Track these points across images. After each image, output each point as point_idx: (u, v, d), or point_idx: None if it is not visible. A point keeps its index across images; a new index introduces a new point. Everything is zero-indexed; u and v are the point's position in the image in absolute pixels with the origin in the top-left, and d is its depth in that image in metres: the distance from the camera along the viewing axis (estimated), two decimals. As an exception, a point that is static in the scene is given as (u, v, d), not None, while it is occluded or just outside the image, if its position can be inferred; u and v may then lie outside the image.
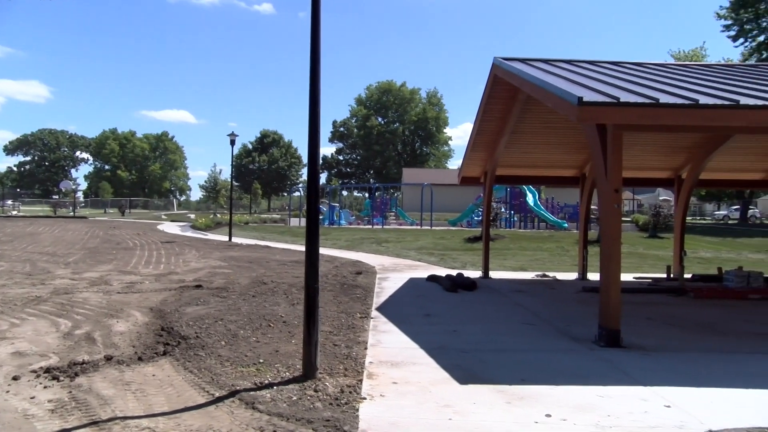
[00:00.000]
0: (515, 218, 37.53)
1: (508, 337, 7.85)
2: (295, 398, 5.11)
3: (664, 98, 7.39)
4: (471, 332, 7.99)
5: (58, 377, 5.69)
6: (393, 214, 44.40)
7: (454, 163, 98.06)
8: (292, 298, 10.41)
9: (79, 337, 7.47)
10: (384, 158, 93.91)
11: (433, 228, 34.61)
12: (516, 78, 10.26)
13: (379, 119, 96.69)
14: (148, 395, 5.24)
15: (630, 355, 6.76)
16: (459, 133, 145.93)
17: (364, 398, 5.12)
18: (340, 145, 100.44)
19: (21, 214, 54.70)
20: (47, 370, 5.88)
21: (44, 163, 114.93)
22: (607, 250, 7.35)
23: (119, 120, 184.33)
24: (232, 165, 32.16)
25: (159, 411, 4.84)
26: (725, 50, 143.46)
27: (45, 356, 6.53)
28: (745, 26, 43.31)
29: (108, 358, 6.39)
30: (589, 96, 7.36)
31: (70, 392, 5.29)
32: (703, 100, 7.36)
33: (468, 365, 6.23)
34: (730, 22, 44.00)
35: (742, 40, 43.95)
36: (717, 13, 44.69)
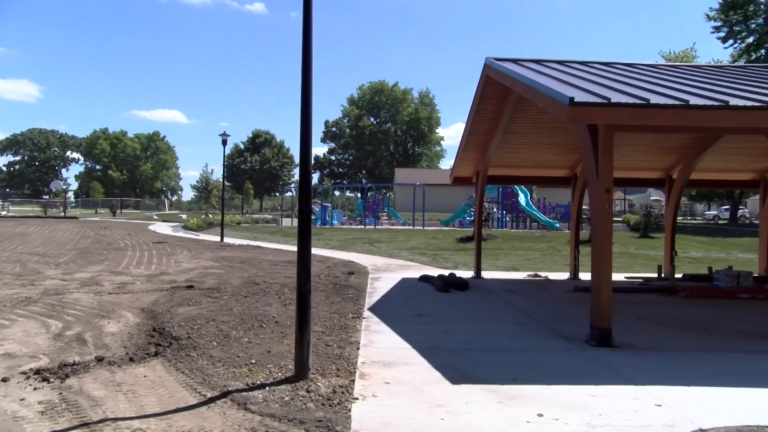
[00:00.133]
0: (507, 218, 37.64)
1: (500, 336, 7.87)
2: (287, 399, 5.10)
3: (654, 99, 7.43)
4: (463, 332, 8.00)
5: (49, 379, 5.65)
6: (385, 214, 44.41)
7: (447, 163, 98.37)
8: (284, 298, 10.40)
9: (70, 338, 7.43)
10: (376, 158, 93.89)
11: (425, 228, 34.64)
12: (508, 78, 10.28)
13: (372, 119, 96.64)
14: (140, 396, 5.22)
15: (621, 355, 6.79)
16: (451, 133, 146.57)
17: (357, 398, 5.12)
18: (333, 145, 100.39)
19: (11, 214, 54.23)
20: (37, 372, 5.84)
21: (34, 162, 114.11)
22: (599, 249, 7.38)
23: (110, 120, 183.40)
24: (223, 165, 32.09)
25: (150, 412, 4.81)
26: (715, 51, 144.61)
27: (35, 358, 6.48)
28: (734, 28, 43.64)
29: (99, 359, 6.35)
30: (580, 96, 7.39)
31: (61, 394, 5.25)
32: (693, 100, 7.40)
33: (460, 365, 6.24)
34: (719, 23, 44.34)
35: (731, 41, 44.32)
36: (707, 15, 45.06)
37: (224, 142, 27.80)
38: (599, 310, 7.24)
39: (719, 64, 28.96)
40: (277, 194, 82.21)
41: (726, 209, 52.91)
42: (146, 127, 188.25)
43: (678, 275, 14.07)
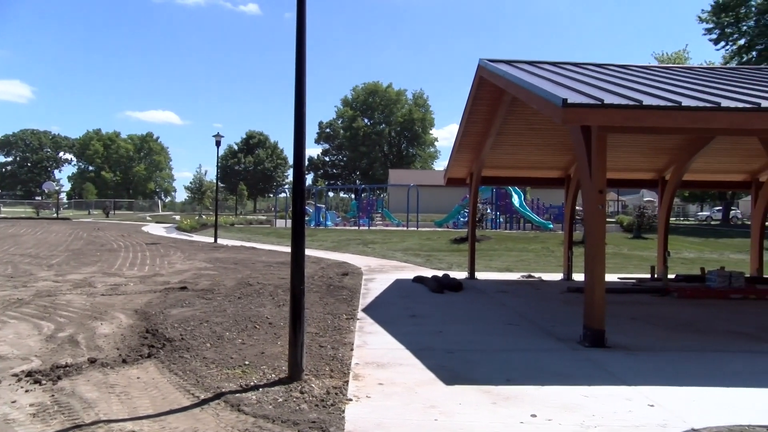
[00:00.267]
0: (501, 219, 37.70)
1: (494, 337, 7.88)
2: (280, 400, 5.09)
3: (647, 100, 7.46)
4: (457, 333, 8.01)
5: (41, 381, 5.61)
6: (379, 215, 44.39)
7: (441, 164, 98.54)
8: (278, 299, 10.38)
9: (62, 339, 7.39)
10: (370, 159, 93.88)
11: (419, 229, 34.66)
12: (501, 79, 10.30)
13: (366, 120, 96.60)
14: (133, 398, 5.20)
15: (614, 355, 6.81)
16: (445, 135, 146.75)
17: (350, 399, 5.12)
18: (327, 146, 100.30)
19: (2, 215, 53.99)
20: (29, 374, 5.80)
21: (26, 164, 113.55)
22: (592, 250, 7.41)
23: (103, 121, 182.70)
24: (217, 166, 32.01)
25: (143, 414, 4.79)
26: (707, 53, 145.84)
27: (27, 359, 6.45)
28: (726, 30, 43.95)
29: (92, 361, 6.32)
30: (573, 98, 7.41)
31: (53, 396, 5.22)
32: (686, 102, 7.44)
33: (454, 366, 6.25)
34: (711, 25, 44.64)
35: (723, 43, 44.64)
36: (699, 17, 45.37)
37: (218, 143, 27.78)
38: (592, 311, 7.26)
39: (711, 65, 29.12)
40: (271, 195, 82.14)
41: (718, 210, 53.20)
42: (139, 128, 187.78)
43: (671, 276, 14.14)
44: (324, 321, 8.61)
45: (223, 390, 5.33)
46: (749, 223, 17.71)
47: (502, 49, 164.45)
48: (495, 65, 11.12)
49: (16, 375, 5.81)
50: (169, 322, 8.29)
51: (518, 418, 4.71)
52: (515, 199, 36.58)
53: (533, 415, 4.77)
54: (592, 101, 7.36)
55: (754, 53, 42.10)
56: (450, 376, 5.82)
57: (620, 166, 14.61)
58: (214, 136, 27.39)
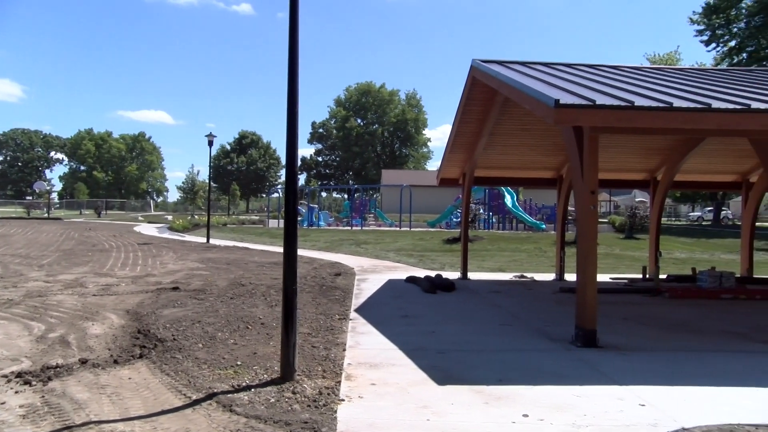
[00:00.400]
0: (494, 219, 37.76)
1: (486, 337, 7.89)
2: (272, 400, 5.08)
3: (639, 101, 7.50)
4: (449, 333, 8.02)
5: (31, 382, 5.57)
6: (372, 215, 44.39)
7: (433, 164, 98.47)
8: (270, 299, 10.35)
9: (53, 340, 7.34)
10: (363, 159, 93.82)
11: (412, 229, 34.68)
12: (494, 80, 10.33)
13: (359, 120, 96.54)
14: (124, 399, 5.17)
15: (606, 355, 6.84)
16: (438, 135, 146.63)
17: (343, 400, 5.11)
18: (319, 146, 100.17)
19: (-7, 215, 53.57)
20: (19, 375, 5.76)
21: (17, 163, 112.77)
22: (584, 251, 7.43)
23: (95, 120, 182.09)
24: (210, 166, 31.93)
25: (135, 414, 4.77)
26: (698, 54, 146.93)
27: (17, 360, 6.40)
28: (716, 31, 44.25)
29: (83, 362, 6.28)
30: (565, 98, 7.43)
31: (43, 397, 5.19)
32: (677, 103, 7.48)
33: (446, 366, 6.25)
34: (702, 27, 44.93)
35: (714, 44, 44.98)
36: (690, 19, 45.66)
37: (210, 143, 27.73)
38: (584, 311, 7.29)
39: (702, 67, 29.28)
40: (264, 195, 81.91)
41: (709, 211, 53.51)
42: (132, 127, 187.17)
43: (662, 276, 14.21)
44: (316, 321, 8.60)
45: (215, 390, 5.32)
46: (740, 223, 17.81)
47: (496, 49, 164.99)
48: (488, 66, 11.14)
49: (5, 376, 5.76)
50: (161, 323, 8.25)
51: (510, 418, 4.72)
52: (508, 200, 36.67)
53: (525, 415, 4.78)
54: (584, 102, 7.38)
55: (744, 55, 42.44)
56: (442, 377, 5.83)
57: (612, 167, 14.68)
58: (206, 135, 27.35)
